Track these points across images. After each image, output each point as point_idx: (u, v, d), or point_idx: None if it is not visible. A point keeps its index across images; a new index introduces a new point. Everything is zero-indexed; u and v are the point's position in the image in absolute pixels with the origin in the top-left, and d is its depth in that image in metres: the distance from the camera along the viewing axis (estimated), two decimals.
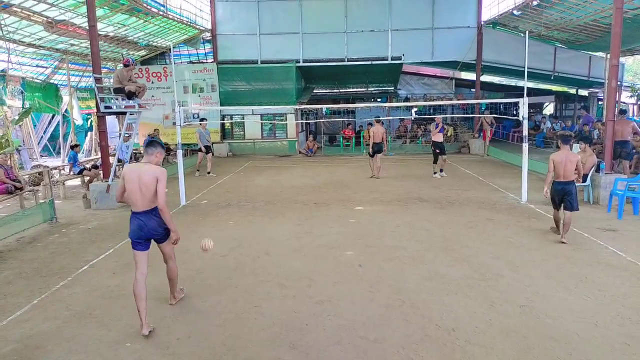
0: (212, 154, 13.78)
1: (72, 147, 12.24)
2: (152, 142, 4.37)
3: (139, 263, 4.16)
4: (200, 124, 13.25)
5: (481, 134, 16.98)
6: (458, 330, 3.92)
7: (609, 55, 10.85)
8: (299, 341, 3.82)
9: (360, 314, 4.29)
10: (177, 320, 4.26)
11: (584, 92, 23.25)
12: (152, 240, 4.27)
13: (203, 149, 13.23)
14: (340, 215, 8.21)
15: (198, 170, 13.40)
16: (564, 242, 6.23)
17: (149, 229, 4.15)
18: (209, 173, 13.10)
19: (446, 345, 3.71)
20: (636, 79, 33.76)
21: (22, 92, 13.50)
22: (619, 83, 16.06)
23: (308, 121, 20.18)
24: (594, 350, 3.58)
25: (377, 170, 12.09)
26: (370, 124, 13.50)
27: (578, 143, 8.74)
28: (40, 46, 13.05)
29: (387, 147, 16.30)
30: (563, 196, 6.36)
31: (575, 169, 6.35)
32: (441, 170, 12.06)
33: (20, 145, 15.11)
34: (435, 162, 12.07)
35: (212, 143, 15.00)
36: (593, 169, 8.59)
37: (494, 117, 16.32)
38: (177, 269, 4.56)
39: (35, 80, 14.63)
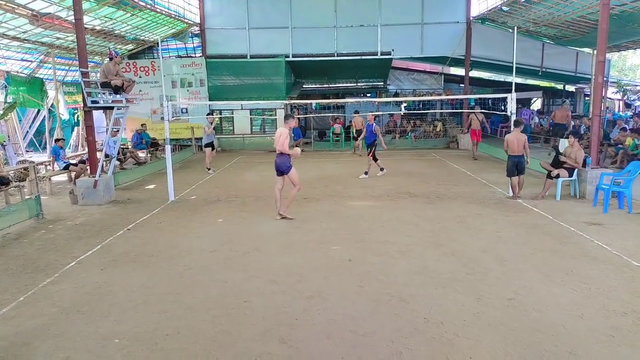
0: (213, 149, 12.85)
1: (55, 141, 12.07)
2: (287, 115, 7.38)
3: (277, 183, 7.53)
4: (207, 118, 12.44)
5: (470, 132, 15.68)
6: (446, 324, 3.96)
7: (595, 52, 10.99)
8: (288, 336, 3.83)
9: (349, 308, 4.31)
10: (166, 316, 4.23)
11: (571, 88, 23.53)
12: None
13: (204, 147, 12.49)
14: (330, 210, 8.22)
15: (209, 169, 12.65)
16: (519, 198, 8.59)
17: (278, 165, 7.29)
18: (209, 169, 12.56)
19: (435, 338, 3.74)
20: (622, 75, 34.22)
21: (5, 86, 13.28)
22: (605, 79, 16.26)
23: (298, 116, 20.11)
24: (579, 342, 3.63)
25: (360, 149, 15.30)
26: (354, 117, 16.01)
27: (567, 137, 8.86)
28: (25, 40, 12.81)
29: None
30: (517, 165, 8.48)
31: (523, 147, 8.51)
32: (366, 173, 11.47)
33: (5, 141, 14.89)
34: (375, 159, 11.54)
35: (201, 138, 14.15)
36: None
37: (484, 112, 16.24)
38: (295, 195, 7.59)
39: (20, 74, 14.37)
